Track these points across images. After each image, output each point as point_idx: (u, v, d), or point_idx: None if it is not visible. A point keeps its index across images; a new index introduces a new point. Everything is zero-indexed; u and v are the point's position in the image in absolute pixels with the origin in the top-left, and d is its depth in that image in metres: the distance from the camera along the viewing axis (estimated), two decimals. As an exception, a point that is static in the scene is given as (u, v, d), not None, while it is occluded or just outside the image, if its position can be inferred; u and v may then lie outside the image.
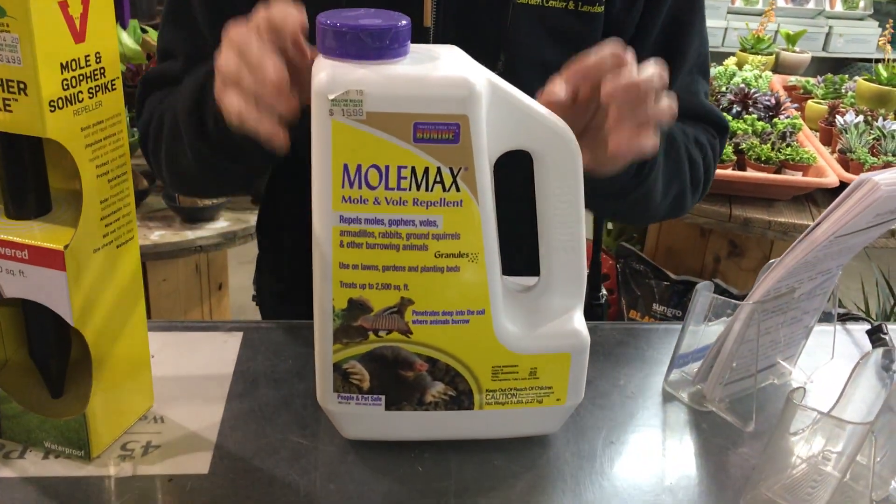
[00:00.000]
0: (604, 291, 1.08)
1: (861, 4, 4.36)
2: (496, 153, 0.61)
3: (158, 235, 1.97)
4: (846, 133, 1.93)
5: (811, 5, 4.36)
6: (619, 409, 0.74)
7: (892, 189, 0.59)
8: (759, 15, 3.62)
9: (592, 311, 1.04)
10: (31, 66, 0.52)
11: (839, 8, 4.37)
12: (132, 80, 2.24)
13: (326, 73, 0.56)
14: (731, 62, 2.40)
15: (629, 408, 0.74)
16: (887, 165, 1.80)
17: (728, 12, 4.07)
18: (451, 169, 0.58)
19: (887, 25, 2.45)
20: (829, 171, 1.78)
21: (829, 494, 0.61)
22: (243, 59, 0.60)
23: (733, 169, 1.80)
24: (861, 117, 1.97)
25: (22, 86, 0.53)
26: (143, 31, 2.40)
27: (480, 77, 0.58)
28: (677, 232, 2.17)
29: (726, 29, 4.02)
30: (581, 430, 0.71)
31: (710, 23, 3.14)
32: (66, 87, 0.54)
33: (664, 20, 0.85)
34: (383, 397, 0.65)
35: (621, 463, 0.68)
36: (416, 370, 0.64)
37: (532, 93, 0.62)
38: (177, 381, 0.73)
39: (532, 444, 0.69)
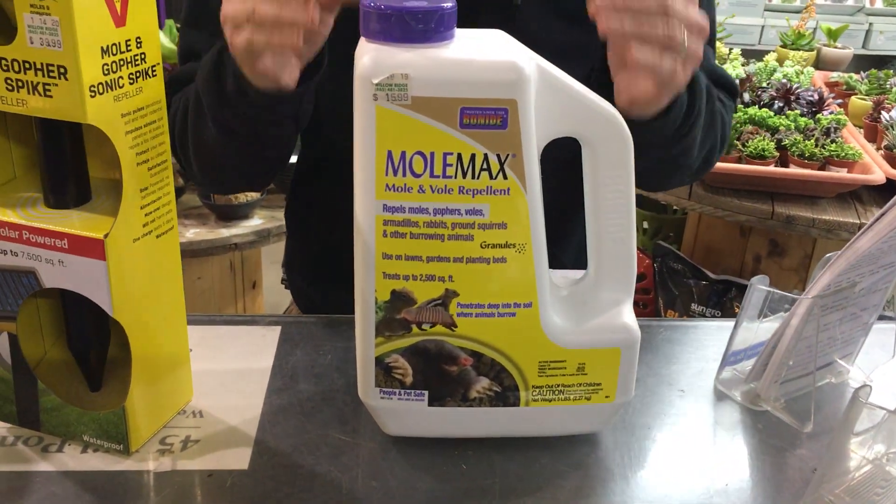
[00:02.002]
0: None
1: (903, 1, 4.27)
2: (544, 140, 0.59)
3: (193, 233, 1.97)
4: (892, 129, 1.88)
5: (851, 2, 4.28)
6: (670, 408, 0.71)
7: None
8: (797, 12, 3.56)
9: None
10: (71, 51, 0.51)
11: (879, 5, 4.29)
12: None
13: (370, 56, 0.55)
14: (771, 58, 2.36)
15: (680, 406, 0.72)
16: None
17: (765, 10, 4.01)
18: (498, 156, 0.56)
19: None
20: (875, 168, 1.73)
21: (884, 491, 0.58)
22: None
23: (776, 165, 1.76)
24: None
25: (62, 70, 0.51)
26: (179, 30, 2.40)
27: (529, 61, 0.56)
28: (716, 230, 2.13)
29: (763, 27, 3.95)
30: (630, 429, 0.68)
31: (747, 20, 3.12)
32: (106, 72, 0.53)
33: None
34: (426, 393, 0.63)
35: (672, 463, 0.65)
36: (461, 365, 0.62)
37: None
38: (215, 375, 0.72)
39: (579, 442, 0.66)
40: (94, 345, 0.65)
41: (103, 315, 0.64)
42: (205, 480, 0.61)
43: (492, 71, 0.55)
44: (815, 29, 3.08)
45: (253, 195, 1.98)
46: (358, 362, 0.64)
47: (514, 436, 0.66)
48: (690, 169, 0.86)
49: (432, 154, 0.56)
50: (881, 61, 4.11)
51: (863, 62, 3.99)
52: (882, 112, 1.96)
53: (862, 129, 2.00)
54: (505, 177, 0.56)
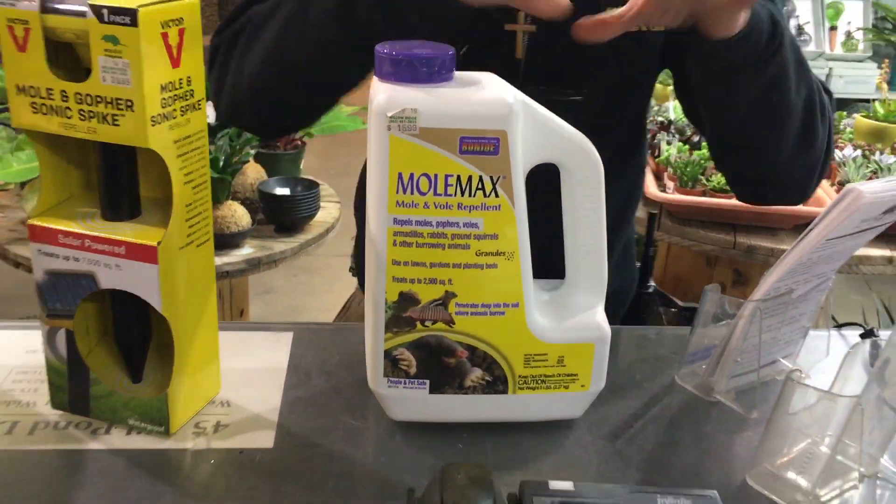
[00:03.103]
0: (652, 283, 1.16)
1: (860, 47, 4.48)
2: (529, 165, 0.70)
3: (187, 261, 2.06)
4: (845, 166, 2.03)
5: (812, 48, 4.48)
6: (637, 399, 0.82)
7: (874, 197, 0.68)
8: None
9: (640, 299, 1.14)
10: (137, 87, 0.61)
11: (839, 50, 4.50)
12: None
13: (385, 94, 0.66)
14: (734, 99, 2.50)
15: (645, 397, 0.82)
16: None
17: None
18: (491, 177, 0.67)
19: (884, 66, 2.55)
20: (829, 202, 1.87)
21: (821, 469, 0.69)
22: None
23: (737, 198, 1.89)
24: (859, 151, 2.07)
25: (129, 103, 0.62)
26: None
27: (516, 98, 0.67)
28: (684, 261, 2.26)
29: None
30: (602, 416, 0.79)
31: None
32: (164, 105, 0.64)
33: None
34: (428, 381, 0.73)
35: (638, 444, 0.76)
36: (458, 357, 0.72)
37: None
38: (237, 372, 0.82)
39: (559, 426, 0.77)
40: (136, 341, 0.74)
41: (145, 315, 0.74)
42: (236, 457, 0.71)
43: (486, 106, 0.66)
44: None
45: (245, 224, 2.07)
46: (368, 355, 0.75)
47: (503, 420, 0.76)
48: (794, 112, 0.88)
49: (436, 176, 0.67)
50: (841, 104, 4.30)
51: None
52: (836, 150, 2.11)
53: (818, 166, 2.14)
54: (497, 195, 0.67)
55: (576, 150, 0.71)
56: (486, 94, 0.67)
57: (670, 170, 2.01)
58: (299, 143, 2.51)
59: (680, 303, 2.20)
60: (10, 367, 0.81)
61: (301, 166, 2.52)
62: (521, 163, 0.67)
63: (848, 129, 2.29)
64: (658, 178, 2.05)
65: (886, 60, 2.55)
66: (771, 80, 0.86)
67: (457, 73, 0.69)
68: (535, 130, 0.69)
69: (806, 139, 0.93)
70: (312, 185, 2.28)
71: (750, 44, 0.82)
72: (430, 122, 0.65)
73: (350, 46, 0.84)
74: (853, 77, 4.37)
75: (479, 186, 0.67)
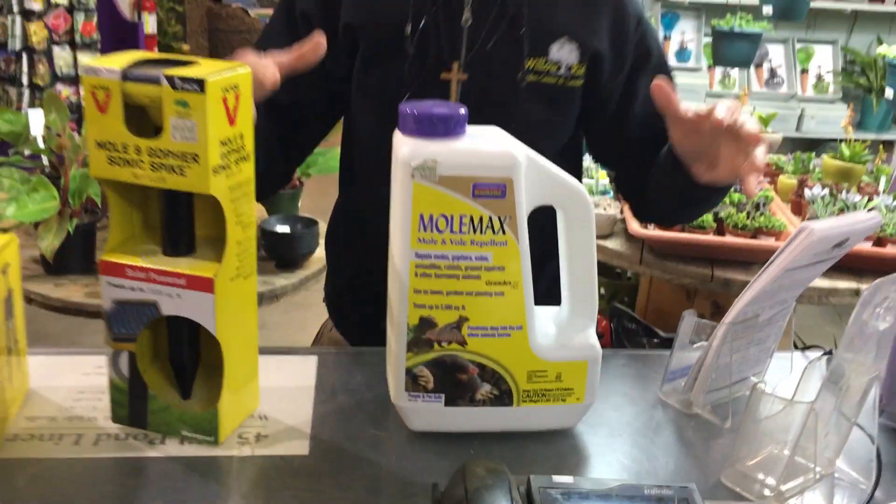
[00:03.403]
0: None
1: (831, 89, 4.67)
2: (531, 207, 0.81)
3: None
4: (813, 204, 2.16)
5: (784, 90, 4.67)
6: (625, 411, 0.93)
7: (824, 233, 0.80)
8: (737, 97, 3.91)
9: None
10: (202, 143, 0.72)
11: (810, 92, 4.69)
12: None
13: (408, 147, 0.77)
14: (710, 141, 2.65)
15: (632, 410, 0.93)
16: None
17: (707, 95, 4.37)
18: (499, 217, 0.78)
19: (849, 109, 2.71)
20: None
21: (783, 469, 0.80)
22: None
23: (714, 234, 2.02)
24: (827, 190, 2.20)
25: (195, 156, 0.73)
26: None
27: (520, 150, 0.79)
28: (665, 294, 2.38)
29: (706, 111, 4.30)
30: (594, 426, 0.90)
31: (691, 105, 3.38)
32: (222, 157, 0.75)
33: (648, 80, 1.06)
34: (443, 395, 0.84)
35: (627, 449, 0.87)
36: (469, 374, 0.83)
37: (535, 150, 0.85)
38: (272, 391, 0.92)
39: (557, 435, 0.87)
40: (188, 362, 0.85)
41: (196, 339, 0.84)
42: (277, 462, 0.81)
43: (495, 158, 0.78)
44: (751, 112, 3.41)
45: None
46: (389, 372, 0.85)
47: (509, 430, 0.87)
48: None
49: (452, 216, 0.78)
50: (813, 143, 4.48)
51: (797, 144, 4.35)
52: (805, 189, 2.25)
53: (789, 204, 2.28)
54: (504, 233, 0.79)
55: (571, 194, 0.82)
56: (494, 147, 0.79)
57: (651, 208, 2.14)
58: (297, 182, 2.63)
59: (662, 333, 2.32)
60: (69, 388, 0.91)
61: (299, 205, 2.64)
62: (524, 205, 0.79)
63: (817, 169, 2.44)
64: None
65: (851, 104, 2.70)
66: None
67: (469, 128, 0.81)
68: (537, 178, 0.81)
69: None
70: (311, 223, 2.38)
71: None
72: (448, 171, 0.77)
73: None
74: (824, 118, 4.54)
75: (489, 225, 0.79)
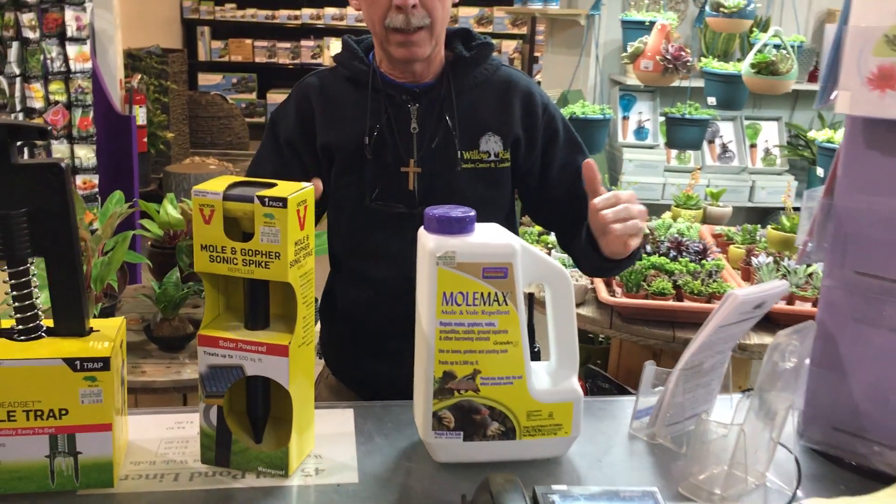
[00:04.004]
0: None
1: (778, 161, 5.05)
2: (526, 283, 1.07)
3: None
4: (760, 271, 2.45)
5: (736, 163, 5.04)
6: (603, 443, 1.17)
7: (745, 298, 1.07)
8: (691, 172, 4.25)
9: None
10: (283, 244, 0.97)
11: (759, 165, 5.06)
12: (170, 242, 2.70)
13: (433, 242, 1.03)
14: (667, 216, 2.95)
15: (609, 442, 1.18)
16: (790, 297, 2.30)
17: (665, 170, 4.71)
18: (503, 293, 1.04)
19: (787, 185, 3.03)
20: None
21: (724, 480, 1.04)
22: None
23: (674, 300, 2.30)
24: (771, 258, 2.49)
25: (277, 255, 0.98)
26: (180, 201, 2.88)
27: (517, 241, 1.05)
28: (634, 355, 2.63)
29: (664, 185, 4.62)
30: (580, 455, 1.14)
31: (649, 179, 3.78)
32: (295, 254, 1.00)
33: (561, 152, 1.48)
34: (462, 433, 1.08)
35: (606, 471, 1.11)
36: (482, 415, 1.08)
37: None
38: (323, 436, 1.15)
39: (550, 462, 1.11)
40: (261, 413, 1.08)
41: (267, 395, 1.08)
42: (334, 489, 1.04)
43: (498, 248, 1.04)
44: (706, 186, 3.74)
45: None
46: (417, 415, 1.09)
47: (514, 459, 1.10)
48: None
49: (468, 293, 1.03)
50: (765, 212, 4.82)
51: (751, 213, 4.69)
52: (752, 257, 2.54)
53: (739, 271, 2.57)
54: (507, 304, 1.04)
55: (556, 273, 1.08)
56: (498, 239, 1.05)
57: (618, 277, 2.41)
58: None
59: (632, 391, 2.56)
60: (159, 439, 1.14)
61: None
62: (521, 283, 1.05)
63: (762, 240, 2.74)
64: (608, 285, 2.45)
65: (789, 182, 3.02)
66: (632, 263, 1.45)
67: (477, 225, 1.07)
68: (530, 262, 1.06)
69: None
70: (310, 300, 2.62)
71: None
72: (464, 259, 1.02)
73: None
74: (773, 188, 4.89)
75: (496, 299, 1.04)
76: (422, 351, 1.07)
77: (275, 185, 1.01)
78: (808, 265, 2.46)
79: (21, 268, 0.98)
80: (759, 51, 2.64)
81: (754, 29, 3.01)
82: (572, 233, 1.49)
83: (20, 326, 1.00)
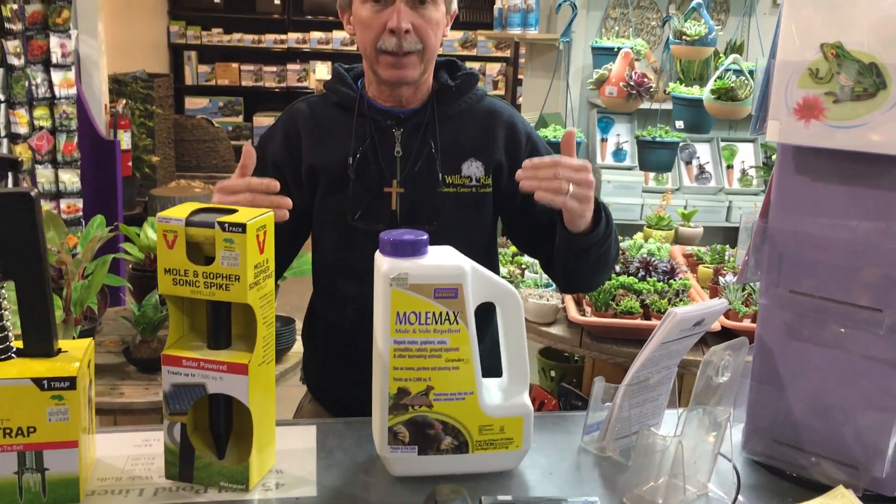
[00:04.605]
0: None
1: (754, 182, 5.13)
2: (476, 303, 1.12)
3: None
4: (727, 290, 2.51)
5: (713, 184, 5.12)
6: (554, 456, 1.22)
7: (684, 315, 1.12)
8: (672, 192, 4.33)
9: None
10: (243, 268, 1.03)
11: (736, 185, 5.15)
12: (151, 265, 2.75)
13: (387, 264, 1.09)
14: (638, 237, 3.02)
15: (560, 456, 1.23)
16: (755, 314, 2.36)
17: (643, 191, 4.79)
18: (453, 312, 1.09)
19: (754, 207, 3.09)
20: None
21: (665, 490, 1.09)
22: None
23: (641, 319, 2.35)
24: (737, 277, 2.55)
25: (236, 277, 1.03)
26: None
27: (467, 263, 1.11)
28: (606, 372, 2.66)
29: (642, 205, 4.69)
30: (531, 467, 1.19)
31: (627, 200, 3.84)
32: (255, 276, 1.05)
33: None
34: (416, 447, 1.13)
35: (556, 482, 1.15)
36: (436, 429, 1.12)
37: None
38: (284, 452, 1.19)
39: (502, 475, 1.16)
40: (224, 429, 1.12)
41: (230, 412, 1.12)
42: (294, 502, 1.08)
43: (449, 269, 1.09)
44: (683, 207, 3.81)
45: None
46: (375, 431, 1.14)
47: (467, 472, 1.15)
48: (610, 263, 1.52)
49: (420, 312, 1.09)
50: (736, 232, 4.90)
51: (727, 232, 4.76)
52: (720, 277, 2.60)
53: (708, 290, 2.63)
54: (457, 323, 1.09)
55: (505, 292, 1.14)
56: (449, 261, 1.11)
57: (587, 297, 2.47)
58: (275, 286, 2.91)
59: (604, 409, 2.62)
60: (126, 456, 1.18)
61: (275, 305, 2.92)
62: (471, 302, 1.10)
63: (731, 259, 2.80)
64: (578, 304, 2.50)
65: (755, 206, 3.09)
66: (603, 253, 1.45)
67: (430, 248, 1.12)
68: (480, 282, 1.12)
69: (609, 269, 1.56)
70: (288, 321, 2.66)
71: (593, 238, 1.40)
72: (416, 280, 1.08)
73: None
74: (749, 209, 4.97)
75: (447, 318, 1.09)
76: (378, 368, 1.12)
77: (235, 211, 1.06)
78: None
79: (-9, 292, 1.03)
80: (720, 77, 2.72)
81: (721, 55, 3.09)
82: (552, 256, 1.54)
83: (-9, 348, 1.04)
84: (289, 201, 1.33)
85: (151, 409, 2.25)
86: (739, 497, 1.12)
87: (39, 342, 1.05)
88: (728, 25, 4.08)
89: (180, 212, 1.05)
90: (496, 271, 1.62)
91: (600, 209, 1.41)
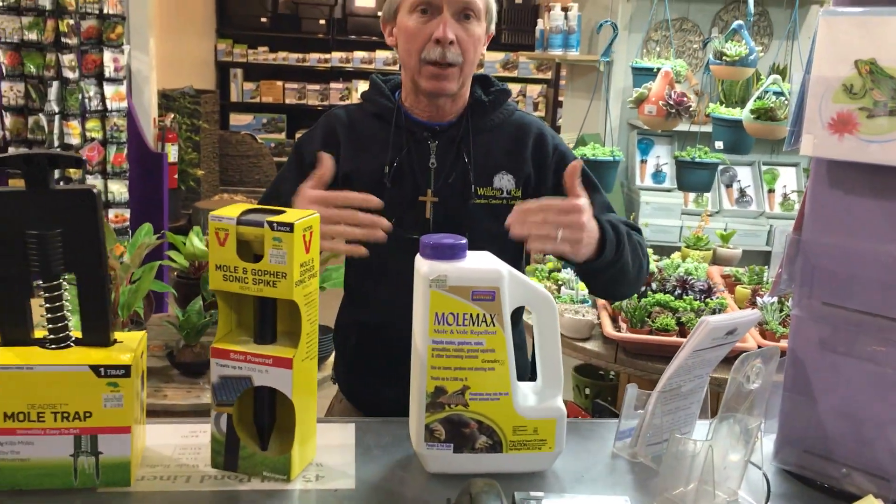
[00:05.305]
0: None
1: (796, 207, 5.10)
2: (512, 306, 1.16)
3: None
4: (765, 310, 2.51)
5: (753, 207, 5.10)
6: (587, 460, 1.25)
7: (716, 324, 1.15)
8: (710, 215, 4.32)
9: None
10: (289, 266, 1.07)
11: (777, 210, 5.12)
12: (195, 273, 2.82)
13: (428, 266, 1.13)
14: (676, 256, 3.03)
15: (592, 459, 1.25)
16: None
17: (682, 213, 4.79)
18: (490, 314, 1.13)
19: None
20: (750, 339, 2.34)
21: (695, 495, 1.11)
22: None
23: (676, 336, 2.36)
24: (776, 299, 2.55)
25: (283, 275, 1.08)
26: (206, 234, 3.00)
27: (504, 267, 1.14)
28: (641, 388, 2.68)
29: (681, 227, 4.69)
30: (564, 470, 1.21)
31: (666, 222, 3.83)
32: (300, 274, 1.10)
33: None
34: (452, 444, 1.16)
35: (587, 485, 1.18)
36: (471, 428, 1.16)
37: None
38: (325, 447, 1.24)
39: (535, 475, 1.19)
40: (267, 421, 1.17)
41: (273, 405, 1.17)
42: (333, 493, 1.12)
43: (487, 273, 1.13)
44: (724, 228, 3.81)
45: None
46: (412, 428, 1.18)
47: (500, 471, 1.18)
48: (634, 281, 1.53)
49: (457, 314, 1.12)
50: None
51: (768, 257, 4.74)
52: (757, 297, 2.60)
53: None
54: (493, 325, 1.13)
55: (540, 297, 1.17)
56: (487, 265, 1.14)
57: (623, 314, 2.48)
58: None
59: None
60: (173, 445, 1.23)
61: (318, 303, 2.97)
62: (508, 305, 1.14)
63: (769, 281, 2.80)
64: (614, 320, 2.52)
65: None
66: (618, 268, 1.46)
67: (469, 253, 1.16)
68: (516, 286, 1.15)
69: (638, 276, 1.56)
70: (327, 331, 2.72)
71: (599, 261, 1.41)
72: (455, 282, 1.12)
73: None
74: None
75: (484, 320, 1.13)
76: (416, 367, 1.16)
77: (283, 212, 1.11)
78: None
79: (54, 283, 1.09)
80: (759, 97, 2.73)
81: (763, 77, 3.10)
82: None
83: (51, 336, 1.10)
84: (387, 223, 1.36)
85: (193, 411, 2.31)
86: (769, 505, 1.13)
87: (97, 332, 1.11)
88: (770, 49, 4.09)
89: (231, 211, 1.10)
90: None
91: (605, 237, 1.41)
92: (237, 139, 7.57)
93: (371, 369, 1.64)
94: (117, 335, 1.14)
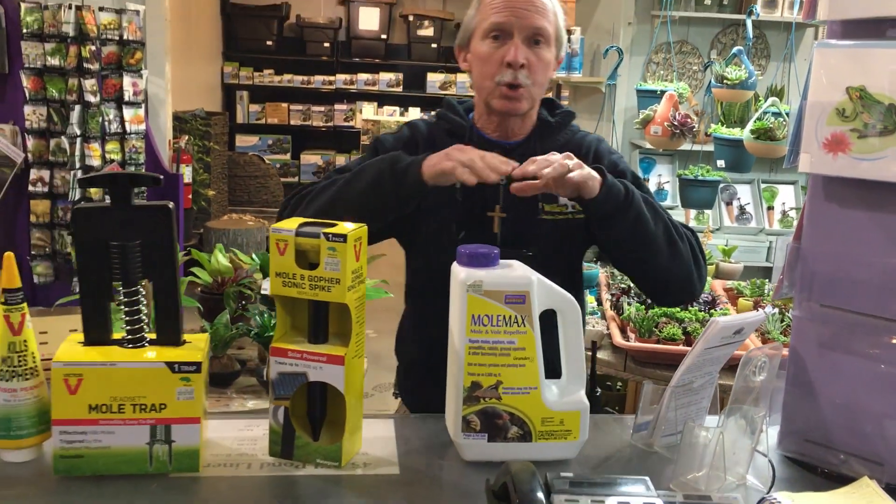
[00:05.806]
0: (598, 389, 1.74)
1: (794, 224, 5.23)
2: (540, 309, 1.28)
3: (253, 404, 2.58)
4: (767, 321, 2.64)
5: (753, 224, 5.23)
6: (607, 449, 1.37)
7: (724, 323, 1.27)
8: (711, 231, 4.46)
9: (593, 398, 1.76)
10: (343, 272, 1.20)
11: (777, 226, 5.25)
12: (218, 289, 2.94)
13: (465, 273, 1.25)
14: (680, 270, 3.16)
15: (612, 449, 1.37)
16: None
17: (684, 230, 4.93)
18: (521, 316, 1.25)
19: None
20: (753, 347, 2.46)
21: (707, 479, 1.23)
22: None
23: (683, 345, 2.48)
24: (777, 310, 2.68)
25: (337, 280, 1.20)
26: (227, 250, 3.13)
27: (533, 274, 1.27)
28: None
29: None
30: (587, 457, 1.33)
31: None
32: (352, 280, 1.22)
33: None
34: (486, 434, 1.28)
35: (609, 470, 1.30)
36: (504, 419, 1.28)
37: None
38: (369, 439, 1.36)
39: (561, 462, 1.31)
40: (319, 414, 1.29)
41: (324, 399, 1.29)
42: (379, 478, 1.24)
43: (518, 279, 1.26)
44: (726, 244, 3.94)
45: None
46: (448, 419, 1.30)
47: (530, 459, 1.30)
48: (659, 247, 1.57)
49: (492, 315, 1.25)
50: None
51: (769, 273, 4.87)
52: (759, 309, 2.73)
53: (746, 321, 2.75)
54: (524, 326, 1.26)
55: (566, 301, 1.30)
56: (517, 273, 1.27)
57: (632, 324, 2.61)
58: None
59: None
60: (232, 437, 1.35)
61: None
62: (536, 308, 1.26)
63: (770, 293, 2.92)
64: (622, 330, 2.65)
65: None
66: (634, 219, 1.54)
67: (501, 262, 1.29)
68: (543, 291, 1.28)
69: (672, 250, 1.58)
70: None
71: (610, 201, 1.50)
72: (489, 287, 1.24)
73: (384, 210, 1.56)
74: (789, 249, 5.06)
75: (515, 321, 1.25)
76: (453, 364, 1.28)
77: (335, 225, 1.24)
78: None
79: (133, 288, 1.21)
80: (759, 118, 2.87)
81: (761, 99, 3.25)
82: (633, 266, 1.67)
83: (129, 336, 1.23)
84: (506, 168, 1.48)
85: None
86: (772, 490, 1.25)
87: (169, 333, 1.23)
88: (768, 71, 4.24)
89: (290, 224, 1.23)
90: (581, 289, 1.79)
91: (607, 180, 1.50)
92: (245, 160, 7.71)
93: (433, 377, 1.60)
94: (185, 336, 1.26)
